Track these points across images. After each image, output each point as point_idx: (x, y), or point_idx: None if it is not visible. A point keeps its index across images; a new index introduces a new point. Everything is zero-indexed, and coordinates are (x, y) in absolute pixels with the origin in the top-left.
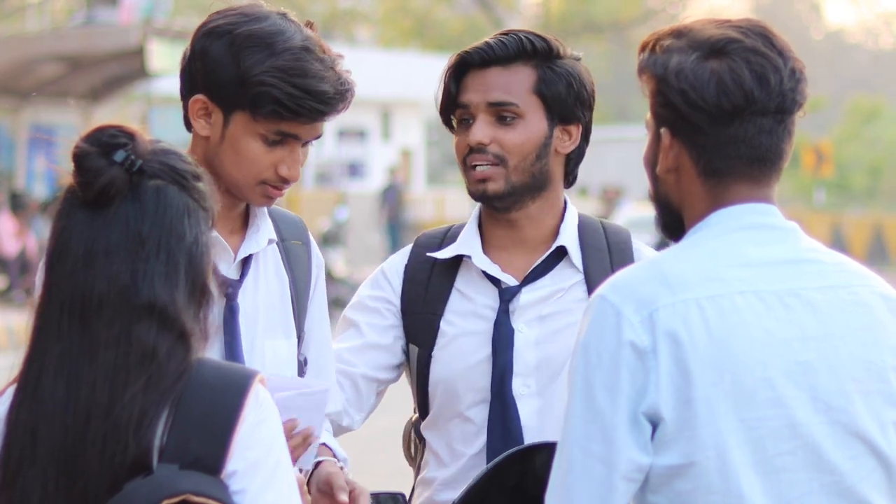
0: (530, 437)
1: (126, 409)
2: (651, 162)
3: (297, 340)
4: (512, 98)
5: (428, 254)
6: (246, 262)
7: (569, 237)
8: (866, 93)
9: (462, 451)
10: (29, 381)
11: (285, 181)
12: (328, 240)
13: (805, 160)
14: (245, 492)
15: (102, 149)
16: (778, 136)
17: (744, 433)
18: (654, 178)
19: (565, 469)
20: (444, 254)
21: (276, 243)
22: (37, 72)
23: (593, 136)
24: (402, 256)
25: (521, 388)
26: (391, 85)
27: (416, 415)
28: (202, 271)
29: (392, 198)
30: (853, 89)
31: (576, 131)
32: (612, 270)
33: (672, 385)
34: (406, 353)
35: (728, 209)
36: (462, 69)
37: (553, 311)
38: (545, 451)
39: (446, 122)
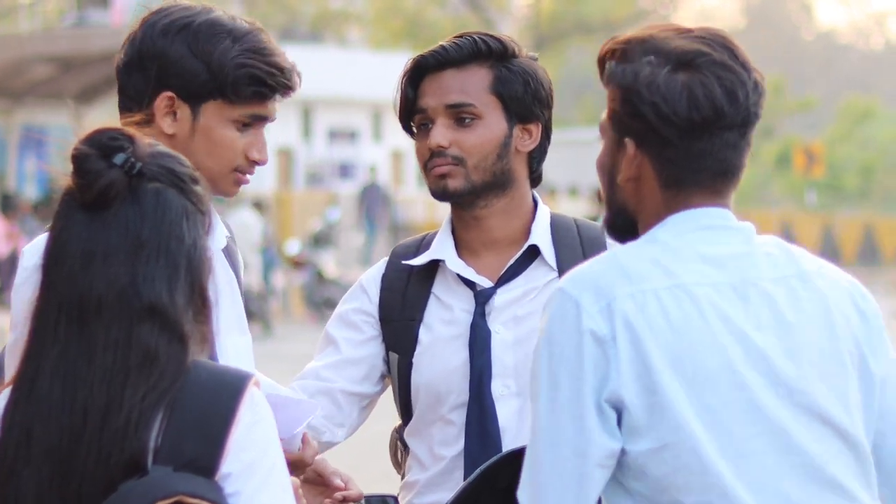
0: (509, 437)
1: (124, 411)
2: (608, 168)
3: (250, 337)
4: (469, 99)
5: (403, 262)
6: None
7: (540, 236)
8: (858, 93)
9: (442, 454)
10: (25, 382)
11: (255, 164)
12: (319, 241)
13: (796, 161)
14: (240, 494)
15: (102, 151)
16: (741, 150)
17: (710, 417)
18: (611, 184)
19: (537, 462)
20: (419, 260)
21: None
22: (28, 73)
23: (584, 137)
24: (379, 267)
25: (501, 388)
26: (382, 86)
27: (400, 422)
28: (201, 274)
29: (372, 197)
30: (844, 90)
31: (536, 130)
32: None
33: (634, 372)
34: (387, 362)
35: (685, 212)
36: (418, 74)
37: (528, 311)
38: None
39: (406, 127)
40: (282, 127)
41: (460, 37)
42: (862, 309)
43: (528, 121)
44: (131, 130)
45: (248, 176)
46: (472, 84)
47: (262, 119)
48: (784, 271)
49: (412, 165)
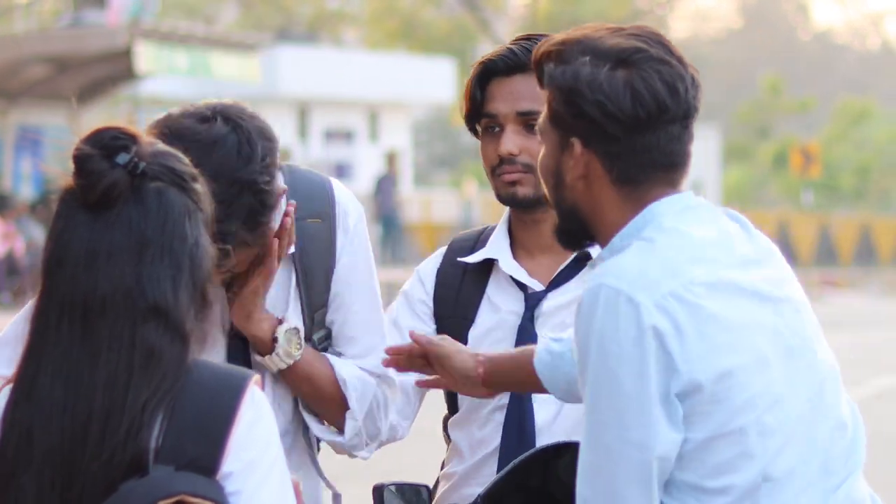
0: (544, 439)
1: (127, 411)
2: (553, 170)
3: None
4: (540, 107)
5: (458, 258)
6: None
7: None
8: (854, 94)
9: (479, 450)
10: (25, 383)
11: None
12: None
13: (793, 161)
14: (241, 492)
15: (104, 151)
16: (684, 141)
17: (769, 393)
18: (558, 186)
19: (602, 456)
20: (474, 258)
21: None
22: (24, 73)
23: None
24: (435, 259)
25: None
26: (378, 86)
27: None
28: (203, 273)
29: (387, 191)
30: (841, 90)
31: None
32: None
33: (705, 361)
34: None
35: (659, 202)
36: (486, 76)
37: None
38: (568, 453)
39: (472, 129)
40: (277, 127)
41: (528, 39)
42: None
43: None
44: (133, 129)
45: None
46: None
47: None
48: (751, 243)
49: (408, 166)
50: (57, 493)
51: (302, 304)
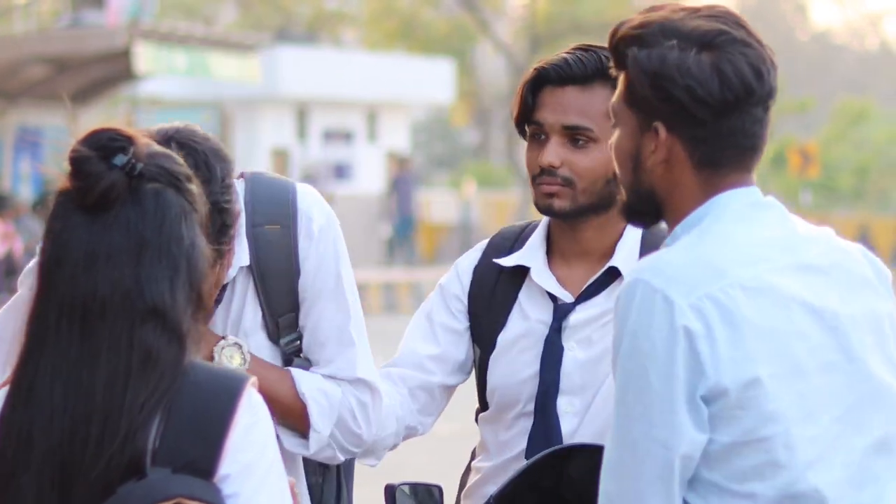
0: None
1: (125, 413)
2: (631, 153)
3: (265, 334)
4: (588, 122)
5: (494, 259)
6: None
7: (624, 257)
8: (853, 94)
9: (504, 452)
10: (23, 385)
11: None
12: None
13: (791, 161)
14: (238, 495)
15: (102, 153)
16: (765, 125)
17: (801, 406)
18: (636, 169)
19: (627, 451)
20: (509, 262)
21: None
22: (23, 73)
23: None
24: (474, 255)
25: (566, 406)
26: (377, 87)
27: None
28: (199, 274)
29: (404, 189)
30: (839, 90)
31: None
32: None
33: (734, 366)
34: (473, 353)
35: (726, 195)
36: (539, 83)
37: (603, 333)
38: (581, 455)
39: (521, 132)
40: (276, 128)
41: (585, 50)
42: (879, 271)
43: None
44: (129, 130)
45: None
46: (593, 106)
47: None
48: (823, 247)
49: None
50: (56, 495)
51: (263, 310)
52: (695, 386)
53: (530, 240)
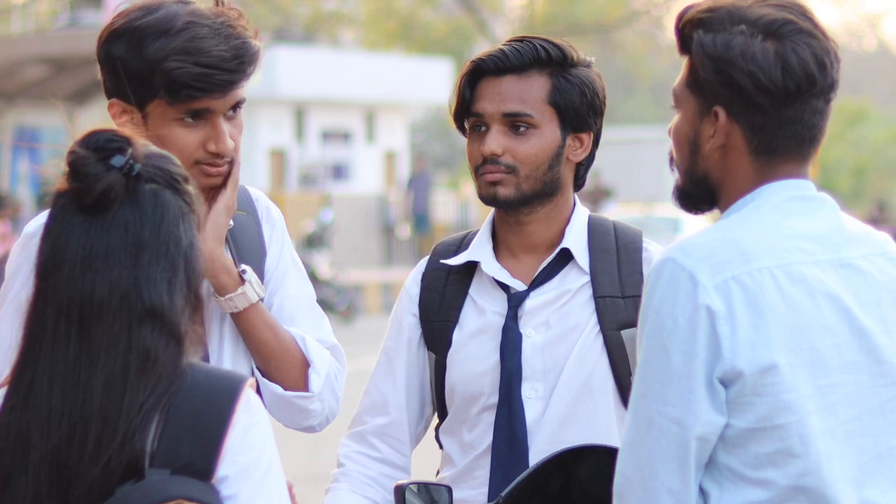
0: (534, 439)
1: (124, 415)
2: (690, 137)
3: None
4: (526, 109)
5: (441, 261)
6: None
7: (574, 239)
8: (851, 95)
9: (469, 452)
10: (21, 387)
11: (218, 156)
12: (313, 242)
13: None
14: (236, 497)
15: (99, 154)
16: (826, 117)
17: (820, 399)
18: (694, 153)
19: (643, 429)
20: (457, 260)
21: None
22: (21, 74)
23: None
24: (420, 265)
25: (530, 391)
26: (375, 87)
27: (437, 420)
28: (197, 275)
29: (420, 188)
30: (837, 91)
31: (587, 139)
32: (619, 272)
33: (751, 350)
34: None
35: (775, 184)
36: (476, 76)
37: (560, 315)
38: (591, 457)
39: (459, 127)
40: (275, 128)
41: (520, 41)
42: None
43: (580, 130)
44: (127, 131)
45: (217, 168)
46: (531, 93)
47: (209, 111)
48: (871, 248)
49: (405, 167)
50: (54, 497)
51: None
52: (713, 367)
53: (476, 238)
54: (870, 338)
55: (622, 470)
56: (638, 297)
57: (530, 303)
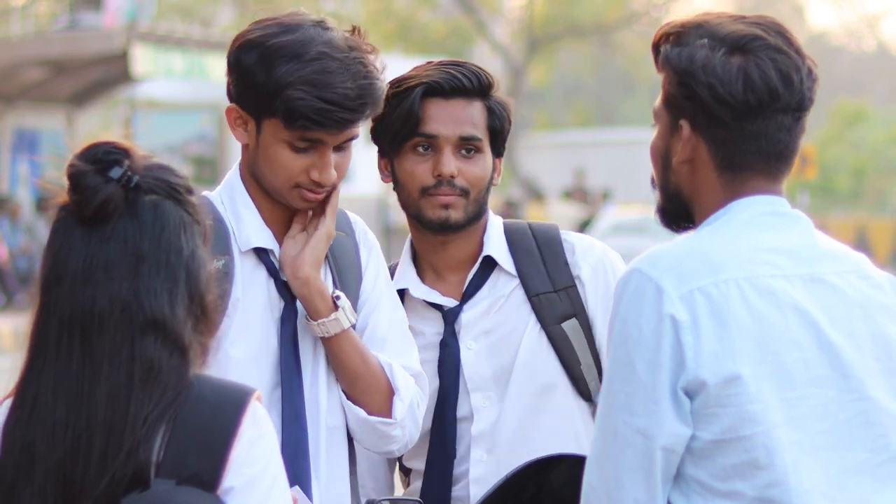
0: (480, 447)
1: (129, 426)
2: (662, 152)
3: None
4: (477, 132)
5: None
6: None
7: (494, 246)
8: (850, 95)
9: (417, 472)
10: (26, 400)
11: (319, 185)
12: None
13: None
14: None
15: (98, 166)
16: (795, 133)
17: (787, 412)
18: (665, 168)
19: (609, 440)
20: None
21: None
22: (21, 76)
23: (578, 140)
24: None
25: (482, 401)
26: None
27: None
28: (199, 285)
29: None
30: (837, 92)
31: (500, 164)
32: (546, 268)
33: (715, 361)
34: None
35: (746, 199)
36: (425, 96)
37: (497, 322)
38: (561, 465)
39: (395, 145)
40: None
41: (457, 65)
42: None
43: (500, 154)
44: (126, 143)
45: (315, 195)
46: (477, 117)
47: (321, 142)
48: (844, 266)
49: None
50: None
51: None
52: (677, 377)
53: (399, 267)
54: (838, 353)
55: (589, 480)
56: (569, 287)
57: (465, 316)
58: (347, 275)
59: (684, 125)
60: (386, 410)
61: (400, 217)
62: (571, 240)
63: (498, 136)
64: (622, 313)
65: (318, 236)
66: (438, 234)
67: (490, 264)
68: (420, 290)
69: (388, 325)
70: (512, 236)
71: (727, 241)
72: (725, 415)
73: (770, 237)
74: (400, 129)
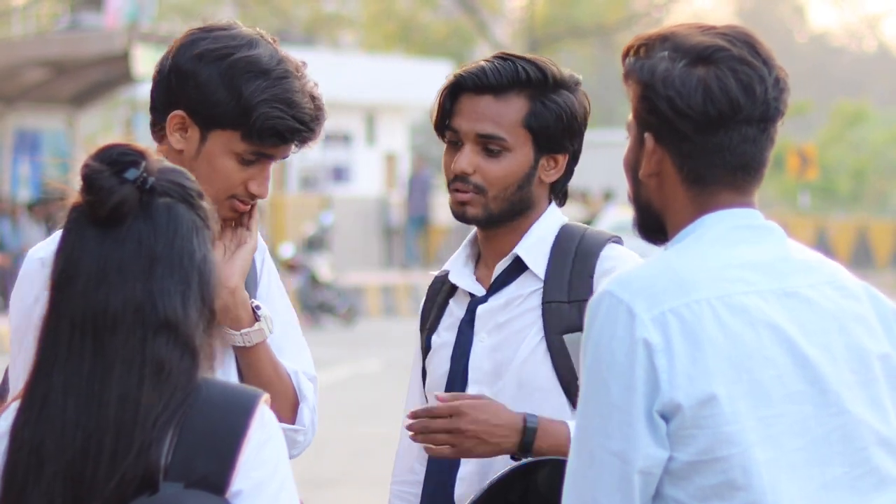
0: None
1: (139, 428)
2: (632, 165)
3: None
4: (500, 132)
5: (439, 273)
6: None
7: (529, 246)
8: (850, 96)
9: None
10: (36, 400)
11: (254, 197)
12: (313, 244)
13: (790, 164)
14: None
15: (113, 167)
16: (761, 145)
17: (763, 430)
18: (636, 181)
19: (585, 463)
20: (438, 271)
21: None
22: (22, 76)
23: None
24: (435, 273)
25: (476, 394)
26: (376, 89)
27: None
28: (211, 289)
29: (419, 189)
30: (837, 93)
31: (563, 160)
32: (570, 277)
33: (689, 382)
34: None
35: (715, 214)
36: (456, 90)
37: (508, 318)
38: (548, 467)
39: (441, 136)
40: None
41: (504, 58)
42: (885, 313)
43: (555, 152)
44: (140, 146)
45: (245, 206)
46: (507, 116)
47: (268, 157)
48: (818, 277)
49: (405, 169)
50: None
51: None
52: (652, 400)
53: (458, 249)
54: (814, 367)
55: (566, 502)
56: (583, 301)
57: (484, 307)
58: (247, 281)
59: (648, 138)
60: (291, 417)
61: (400, 217)
62: (613, 255)
63: (544, 134)
64: (594, 337)
65: (247, 248)
66: (481, 227)
67: (523, 262)
68: (456, 276)
69: (283, 330)
70: (560, 239)
71: (698, 258)
72: (702, 436)
73: (742, 252)
74: (438, 121)
